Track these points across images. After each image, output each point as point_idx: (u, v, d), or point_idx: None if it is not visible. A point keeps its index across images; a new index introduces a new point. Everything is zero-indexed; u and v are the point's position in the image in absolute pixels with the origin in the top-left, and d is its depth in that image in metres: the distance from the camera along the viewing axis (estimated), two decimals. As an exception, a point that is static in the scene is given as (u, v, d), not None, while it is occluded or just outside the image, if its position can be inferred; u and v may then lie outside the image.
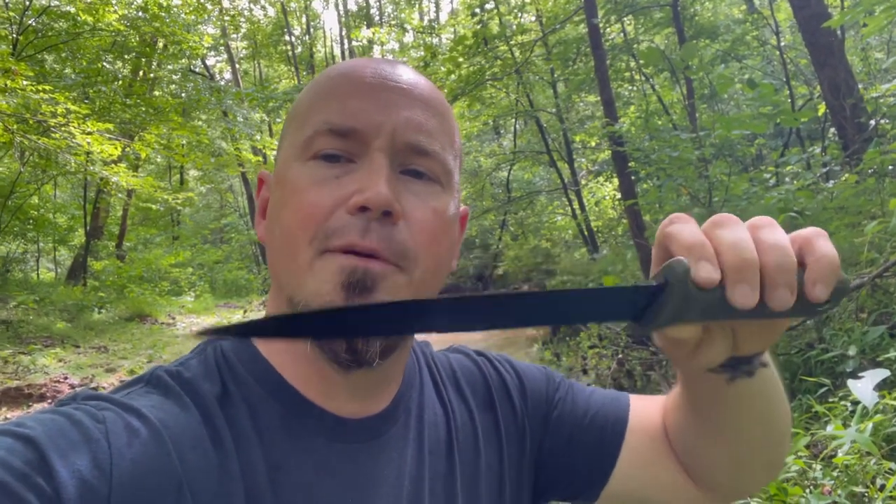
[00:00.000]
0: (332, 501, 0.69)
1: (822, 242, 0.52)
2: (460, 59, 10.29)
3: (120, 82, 13.45)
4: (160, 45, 15.20)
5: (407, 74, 0.74)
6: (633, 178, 7.58)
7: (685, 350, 0.59)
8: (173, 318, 14.02)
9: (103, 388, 8.30)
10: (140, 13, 12.21)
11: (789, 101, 9.85)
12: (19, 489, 0.51)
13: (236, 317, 15.12)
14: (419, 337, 0.86)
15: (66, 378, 8.35)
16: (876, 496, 2.11)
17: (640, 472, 0.84)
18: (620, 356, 5.99)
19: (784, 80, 10.93)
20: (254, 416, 0.69)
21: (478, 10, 11.53)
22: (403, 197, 0.68)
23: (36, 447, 0.54)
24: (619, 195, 11.51)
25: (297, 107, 0.76)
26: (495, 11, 11.16)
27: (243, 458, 0.65)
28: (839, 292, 0.51)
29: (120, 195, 16.90)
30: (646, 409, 0.86)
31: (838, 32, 7.15)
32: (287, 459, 0.68)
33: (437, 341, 0.93)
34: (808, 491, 2.17)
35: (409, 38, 28.45)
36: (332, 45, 34.10)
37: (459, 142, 0.80)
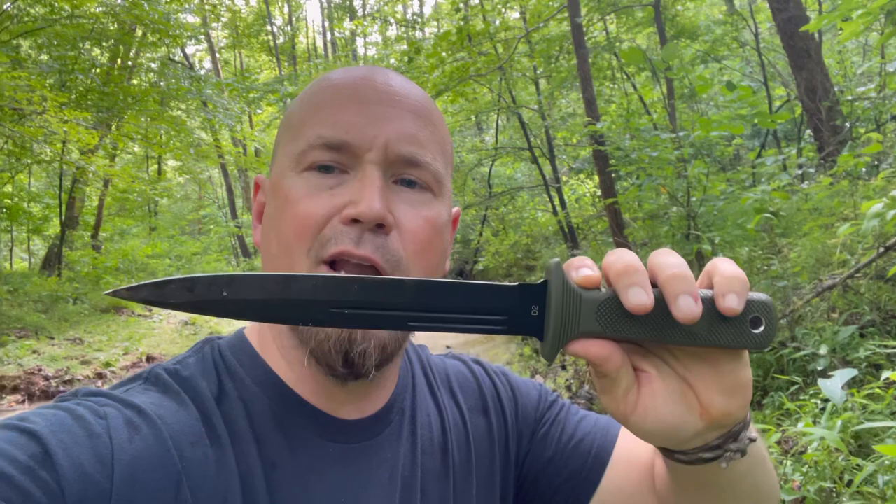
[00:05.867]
0: (326, 500, 0.70)
1: (724, 263, 0.54)
2: (444, 54, 10.28)
3: (98, 70, 13.21)
4: (139, 33, 14.96)
5: (398, 84, 0.75)
6: (613, 175, 7.63)
7: (622, 396, 0.56)
8: (150, 310, 13.83)
9: (78, 380, 8.19)
10: (119, 0, 11.99)
11: (767, 102, 9.98)
12: (24, 482, 0.53)
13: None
14: (415, 340, 0.88)
15: (40, 370, 8.22)
16: (844, 491, 2.18)
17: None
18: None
19: (762, 81, 11.08)
20: (250, 415, 0.71)
21: (461, 6, 11.52)
22: (396, 206, 0.70)
23: (40, 441, 0.56)
24: (599, 192, 11.59)
25: (291, 116, 0.77)
26: (479, 7, 11.15)
27: (240, 455, 0.67)
28: (761, 308, 0.53)
29: (96, 185, 16.63)
30: (636, 442, 0.84)
31: (816, 35, 7.27)
32: (282, 458, 0.70)
33: (434, 345, 0.95)
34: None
35: (392, 31, 28.28)
36: (314, 37, 33.83)
37: (451, 148, 0.81)
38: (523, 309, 0.55)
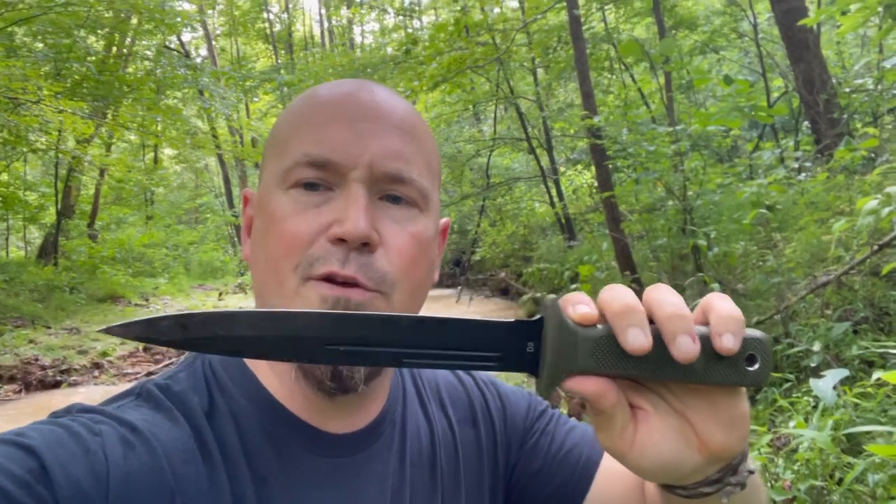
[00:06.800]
0: None
1: (720, 301, 0.54)
2: (441, 45, 10.24)
3: (93, 59, 13.12)
4: (134, 20, 14.84)
5: (384, 100, 0.75)
6: (610, 167, 7.63)
7: (619, 434, 0.57)
8: (147, 300, 13.83)
9: (75, 369, 8.19)
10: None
11: (765, 93, 9.97)
12: (21, 497, 0.53)
13: (211, 300, 15.00)
14: None
15: (37, 359, 8.22)
16: (834, 489, 2.21)
17: None
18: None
19: (760, 72, 11.05)
20: (240, 430, 0.72)
21: (459, -4, 11.47)
22: (382, 223, 0.71)
23: (37, 457, 0.57)
24: (596, 184, 11.59)
25: (277, 132, 0.78)
26: (477, -3, 11.12)
27: (231, 471, 0.68)
28: (756, 346, 0.54)
29: (92, 174, 16.57)
30: None
31: (814, 27, 7.25)
32: (273, 473, 0.70)
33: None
34: (769, 485, 2.26)
35: (389, 18, 28.12)
36: (311, 25, 33.61)
37: (438, 162, 0.82)
38: (518, 346, 0.55)
